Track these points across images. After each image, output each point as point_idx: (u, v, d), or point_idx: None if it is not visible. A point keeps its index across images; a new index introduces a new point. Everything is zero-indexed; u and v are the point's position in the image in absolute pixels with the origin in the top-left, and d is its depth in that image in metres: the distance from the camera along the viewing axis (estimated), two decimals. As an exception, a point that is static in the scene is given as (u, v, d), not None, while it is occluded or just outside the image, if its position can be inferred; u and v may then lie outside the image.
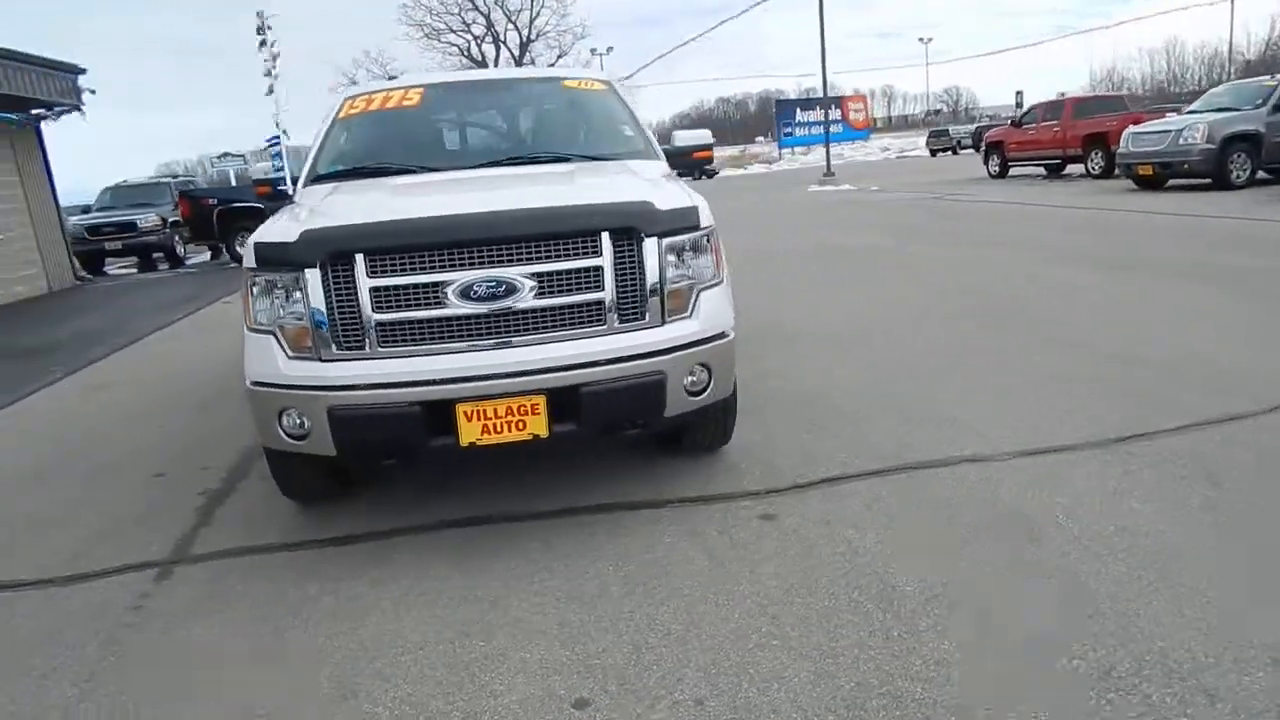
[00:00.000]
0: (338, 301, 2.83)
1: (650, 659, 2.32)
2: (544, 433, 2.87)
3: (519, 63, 52.66)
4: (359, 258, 2.80)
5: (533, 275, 2.85)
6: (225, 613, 2.76)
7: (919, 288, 7.36)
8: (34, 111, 12.98)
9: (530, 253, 2.85)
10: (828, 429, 3.95)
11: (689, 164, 4.52)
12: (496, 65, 52.70)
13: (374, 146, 4.20)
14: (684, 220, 3.06)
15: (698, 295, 3.09)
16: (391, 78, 4.73)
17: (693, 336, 3.04)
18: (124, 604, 2.87)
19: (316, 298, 2.83)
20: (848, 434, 3.86)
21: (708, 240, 3.15)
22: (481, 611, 2.62)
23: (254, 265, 2.95)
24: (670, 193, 3.20)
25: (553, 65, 52.28)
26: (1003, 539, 2.80)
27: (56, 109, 13.47)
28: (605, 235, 2.90)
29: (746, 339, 6.06)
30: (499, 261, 2.83)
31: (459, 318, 2.83)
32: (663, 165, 4.10)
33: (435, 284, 2.81)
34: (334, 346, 2.85)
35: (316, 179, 3.97)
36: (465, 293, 2.80)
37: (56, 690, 2.39)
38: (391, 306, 2.82)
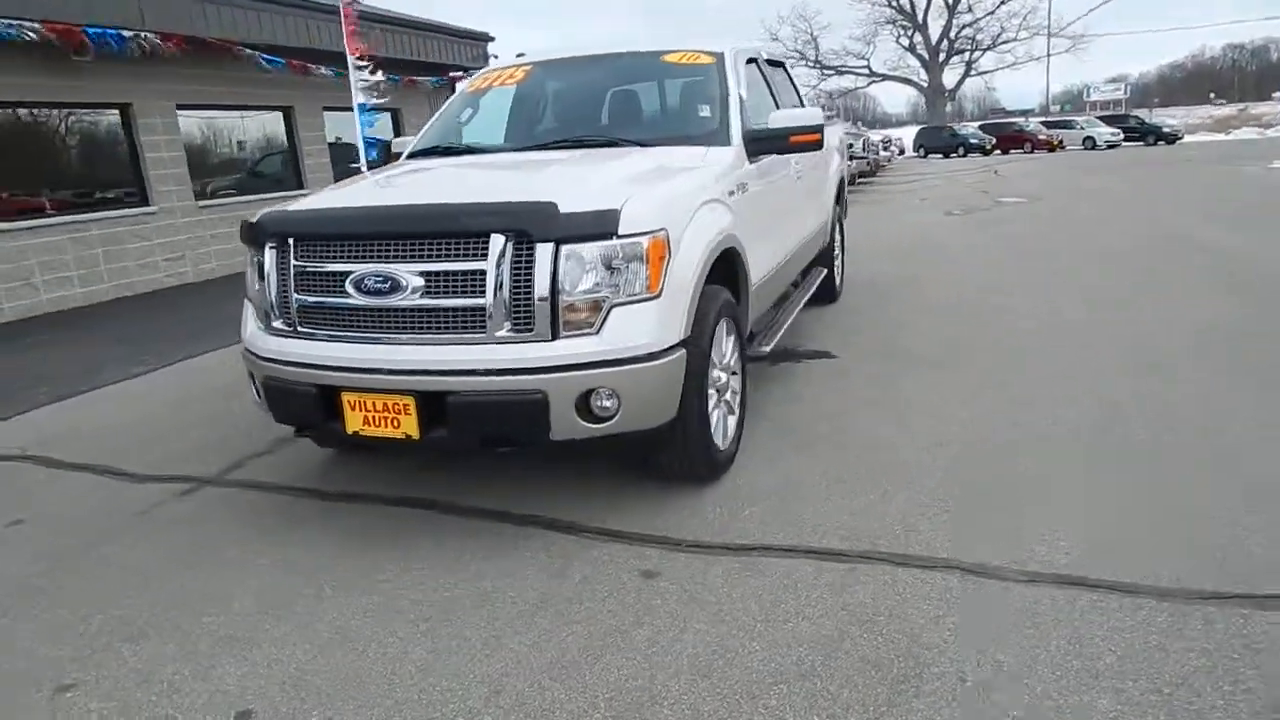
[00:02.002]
0: (279, 281, 3.05)
1: (350, 693, 2.21)
2: (415, 435, 2.81)
3: (952, 12, 48.87)
4: (291, 242, 2.99)
5: (421, 274, 2.77)
6: (176, 537, 3.21)
7: (1225, 312, 5.47)
8: (450, 75, 15.51)
9: (422, 250, 2.77)
10: (854, 488, 3.23)
11: (791, 148, 3.87)
12: (926, 15, 49.57)
13: (462, 127, 4.34)
14: (596, 225, 2.70)
15: (609, 310, 2.74)
16: (520, 55, 4.79)
17: (590, 357, 2.71)
18: (138, 509, 3.51)
19: (269, 275, 3.09)
20: (866, 500, 3.12)
21: (639, 250, 2.75)
22: (301, 601, 2.68)
23: (243, 241, 3.30)
24: (611, 193, 2.84)
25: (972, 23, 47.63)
26: (852, 693, 2.09)
27: (470, 71, 15.96)
28: (498, 237, 2.70)
29: (938, 351, 5.14)
30: (391, 257, 2.80)
31: (353, 309, 2.87)
32: (725, 153, 3.62)
33: (339, 274, 2.88)
34: (278, 322, 3.09)
35: (412, 154, 4.24)
36: (358, 285, 2.84)
37: (32, 565, 3.06)
38: (308, 290, 2.96)
